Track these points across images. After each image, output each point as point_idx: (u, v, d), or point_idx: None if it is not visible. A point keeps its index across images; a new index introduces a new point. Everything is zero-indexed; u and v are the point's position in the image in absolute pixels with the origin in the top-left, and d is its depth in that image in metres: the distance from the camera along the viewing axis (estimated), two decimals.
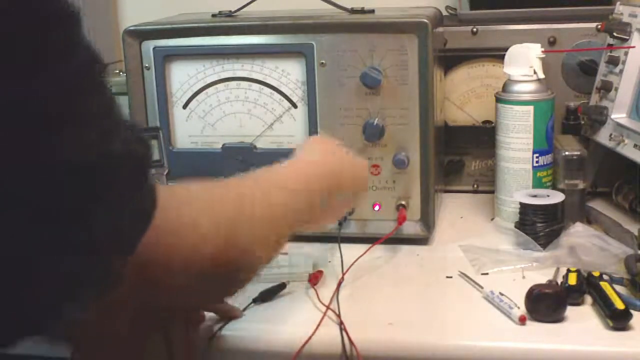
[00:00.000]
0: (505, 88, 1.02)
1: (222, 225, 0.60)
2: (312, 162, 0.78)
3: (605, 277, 0.82)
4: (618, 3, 1.06)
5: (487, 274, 0.89)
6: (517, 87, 1.01)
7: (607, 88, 1.04)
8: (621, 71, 1.02)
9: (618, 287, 0.81)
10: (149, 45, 1.01)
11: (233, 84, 1.01)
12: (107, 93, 0.49)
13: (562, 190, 1.00)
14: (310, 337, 0.77)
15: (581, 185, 1.02)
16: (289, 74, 0.99)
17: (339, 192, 0.79)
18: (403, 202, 0.98)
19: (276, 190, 0.69)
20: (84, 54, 0.46)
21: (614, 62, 1.04)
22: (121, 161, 0.48)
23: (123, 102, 1.06)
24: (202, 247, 0.57)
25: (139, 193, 0.50)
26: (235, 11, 1.07)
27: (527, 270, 0.89)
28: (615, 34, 1.03)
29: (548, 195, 0.97)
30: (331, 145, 0.83)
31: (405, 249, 0.98)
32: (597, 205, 1.08)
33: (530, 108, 1.00)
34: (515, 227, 0.97)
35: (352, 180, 0.83)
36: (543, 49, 1.01)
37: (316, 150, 0.81)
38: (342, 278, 0.87)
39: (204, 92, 1.02)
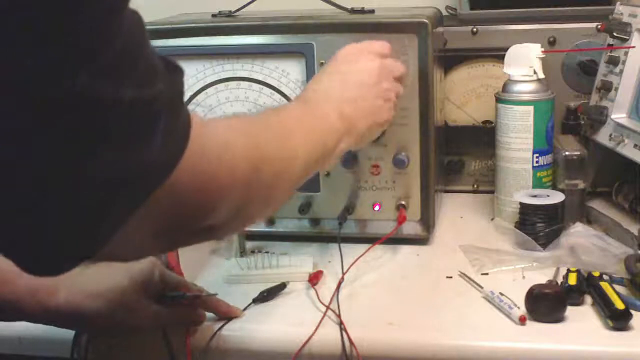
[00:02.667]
0: (505, 88, 1.02)
1: (254, 148, 0.60)
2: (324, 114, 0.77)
3: (605, 277, 0.82)
4: (618, 3, 1.06)
5: (487, 274, 0.89)
6: (517, 87, 1.01)
7: (607, 88, 1.04)
8: (621, 71, 1.02)
9: (618, 287, 0.81)
10: None
11: (233, 84, 1.01)
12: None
13: (562, 190, 1.00)
14: (310, 337, 0.77)
15: (581, 185, 1.02)
16: (289, 74, 0.99)
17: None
18: (403, 202, 0.98)
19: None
20: None
21: (614, 62, 1.04)
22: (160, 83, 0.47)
23: None
24: (236, 170, 0.56)
25: (178, 115, 0.49)
26: (235, 11, 1.06)
27: (527, 270, 0.89)
28: (615, 34, 1.03)
29: (548, 195, 0.97)
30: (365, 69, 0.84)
31: (405, 249, 0.98)
32: (597, 205, 1.08)
33: (530, 108, 1.00)
34: (515, 227, 0.97)
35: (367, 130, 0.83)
36: (543, 49, 1.01)
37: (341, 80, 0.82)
38: (342, 278, 0.87)
39: (204, 92, 1.02)
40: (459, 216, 1.11)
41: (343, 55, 0.86)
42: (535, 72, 1.00)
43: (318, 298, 0.84)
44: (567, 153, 1.02)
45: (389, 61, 0.87)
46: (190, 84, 1.02)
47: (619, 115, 1.02)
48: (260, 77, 1.00)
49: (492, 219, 1.05)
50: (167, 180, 0.48)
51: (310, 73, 0.97)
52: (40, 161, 0.41)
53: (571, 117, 1.14)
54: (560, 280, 0.83)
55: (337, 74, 0.83)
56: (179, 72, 0.51)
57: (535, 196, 0.97)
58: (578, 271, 0.83)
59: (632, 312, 0.76)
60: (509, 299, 0.80)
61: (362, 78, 0.83)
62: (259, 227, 1.02)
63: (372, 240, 0.94)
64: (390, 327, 0.78)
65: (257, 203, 0.61)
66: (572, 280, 0.81)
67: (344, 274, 0.88)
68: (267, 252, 0.93)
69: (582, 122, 1.11)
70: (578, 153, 1.02)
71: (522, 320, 0.77)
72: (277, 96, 1.00)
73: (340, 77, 0.83)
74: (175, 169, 0.48)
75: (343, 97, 0.80)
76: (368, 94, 0.83)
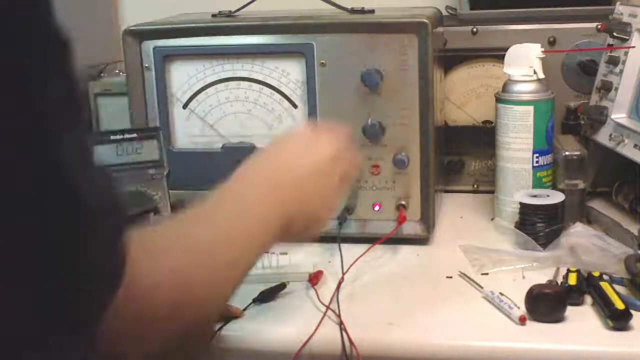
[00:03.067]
0: (505, 88, 1.02)
1: (192, 301, 0.56)
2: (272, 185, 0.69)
3: (605, 277, 0.82)
4: (618, 3, 1.06)
5: (487, 274, 0.89)
6: (517, 87, 1.01)
7: (607, 88, 1.04)
8: (621, 71, 1.02)
9: (618, 287, 0.81)
10: (149, 45, 1.01)
11: (233, 84, 1.01)
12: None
13: (562, 190, 1.00)
14: (310, 337, 0.77)
15: (581, 185, 1.02)
16: (289, 74, 0.99)
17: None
18: (403, 202, 0.98)
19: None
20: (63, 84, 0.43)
21: (614, 62, 1.04)
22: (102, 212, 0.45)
23: (123, 102, 1.06)
24: (165, 329, 0.54)
25: (113, 253, 0.47)
26: (235, 11, 1.06)
27: (527, 270, 0.89)
28: (615, 34, 1.03)
29: (548, 195, 0.97)
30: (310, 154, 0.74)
31: (405, 249, 0.98)
32: (597, 205, 1.08)
33: (530, 108, 1.00)
34: (515, 227, 0.97)
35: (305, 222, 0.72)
36: (543, 49, 1.01)
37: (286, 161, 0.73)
38: (342, 278, 0.87)
39: (204, 92, 1.02)
40: (459, 216, 1.11)
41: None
42: (535, 72, 1.00)
43: (318, 298, 0.84)
44: (567, 153, 1.02)
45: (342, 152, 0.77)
46: (191, 84, 1.02)
47: (619, 115, 1.02)
48: (260, 77, 1.00)
49: (492, 219, 1.05)
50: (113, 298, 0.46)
51: (310, 73, 0.97)
52: None
53: (571, 117, 1.14)
54: (560, 280, 0.83)
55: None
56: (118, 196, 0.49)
57: (535, 196, 0.97)
58: (578, 271, 0.83)
59: (632, 312, 0.75)
60: (509, 299, 0.80)
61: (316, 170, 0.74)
62: None
63: (372, 240, 0.94)
64: (390, 327, 0.78)
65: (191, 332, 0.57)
66: (572, 280, 0.81)
67: (344, 274, 0.88)
68: (267, 252, 0.93)
69: (582, 122, 1.11)
70: (578, 153, 1.02)
71: (522, 320, 0.77)
72: (277, 96, 1.00)
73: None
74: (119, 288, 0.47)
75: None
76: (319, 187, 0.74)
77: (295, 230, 0.70)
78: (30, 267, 0.41)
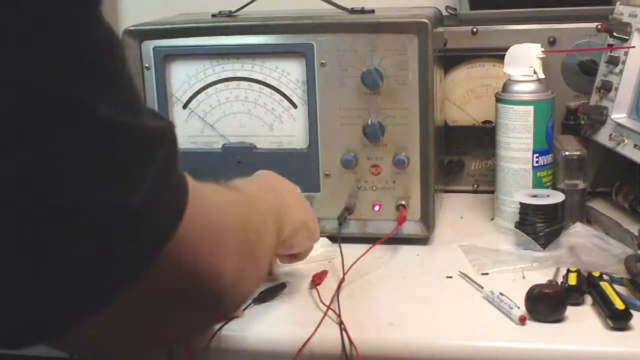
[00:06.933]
0: (505, 88, 1.02)
1: (247, 233, 0.57)
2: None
3: (605, 277, 0.82)
4: (618, 3, 1.06)
5: (487, 274, 0.89)
6: (517, 87, 1.01)
7: (607, 88, 1.04)
8: (621, 71, 1.02)
9: (618, 287, 0.81)
10: (149, 45, 1.01)
11: (233, 84, 1.01)
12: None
13: (562, 190, 1.00)
14: (310, 337, 0.77)
15: (581, 185, 1.02)
16: (289, 74, 0.99)
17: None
18: (403, 202, 0.98)
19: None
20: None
21: (614, 62, 1.04)
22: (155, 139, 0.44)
23: None
24: (235, 249, 0.53)
25: (171, 181, 0.45)
26: (235, 11, 1.06)
27: (527, 270, 0.89)
28: (615, 34, 1.03)
29: (548, 195, 0.97)
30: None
31: (405, 249, 0.98)
32: (597, 205, 1.08)
33: (530, 108, 1.00)
34: (515, 227, 0.97)
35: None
36: (543, 49, 1.01)
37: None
38: (343, 278, 0.87)
39: (204, 92, 1.02)
40: (459, 216, 1.11)
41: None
42: (535, 72, 1.00)
43: (320, 298, 0.84)
44: (567, 153, 1.02)
45: None
46: (191, 84, 1.02)
47: (619, 115, 1.02)
48: (260, 77, 1.00)
49: (492, 219, 1.05)
50: (172, 239, 0.44)
51: (310, 73, 0.97)
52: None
53: (571, 117, 1.14)
54: (560, 280, 0.83)
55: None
56: (171, 123, 0.48)
57: (535, 196, 0.97)
58: (578, 271, 0.83)
59: (632, 312, 0.75)
60: (509, 299, 0.80)
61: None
62: None
63: (372, 240, 0.94)
64: (390, 327, 0.78)
65: (251, 263, 0.58)
66: (572, 280, 0.81)
67: (344, 274, 0.88)
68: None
69: (582, 122, 1.11)
70: (578, 153, 1.02)
71: (522, 320, 0.77)
72: (277, 96, 1.00)
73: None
74: (181, 224, 0.45)
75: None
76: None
77: (296, 225, 0.76)
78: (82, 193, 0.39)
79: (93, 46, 0.41)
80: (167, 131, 0.45)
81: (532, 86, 1.01)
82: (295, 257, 0.87)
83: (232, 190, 0.63)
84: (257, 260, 0.60)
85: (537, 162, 1.01)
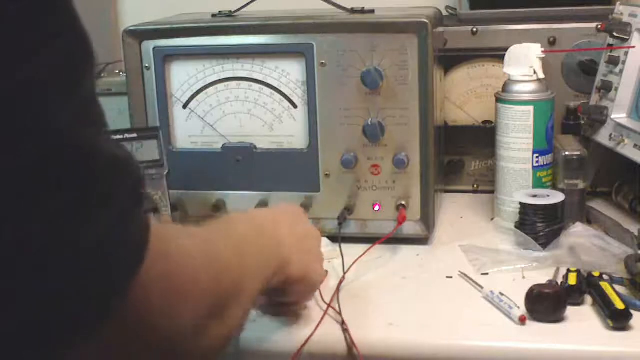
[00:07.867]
0: (505, 88, 1.02)
1: (221, 283, 0.55)
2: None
3: (605, 277, 0.82)
4: (618, 3, 1.06)
5: (487, 274, 0.89)
6: (517, 87, 1.01)
7: (607, 88, 1.04)
8: (621, 71, 1.02)
9: (618, 287, 0.81)
10: (149, 45, 1.01)
11: (233, 84, 1.01)
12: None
13: (562, 190, 1.00)
14: (310, 337, 0.77)
15: (581, 185, 1.02)
16: (289, 74, 0.99)
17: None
18: (403, 202, 0.98)
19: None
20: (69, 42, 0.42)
21: (614, 62, 1.04)
22: (116, 174, 0.44)
23: (123, 102, 1.06)
24: (201, 301, 0.52)
25: (132, 222, 0.45)
26: (235, 11, 1.07)
27: (527, 270, 0.89)
28: (615, 34, 1.03)
29: (548, 195, 0.97)
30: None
31: (405, 249, 0.98)
32: (597, 205, 1.08)
33: (530, 108, 1.00)
34: (515, 227, 0.97)
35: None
36: (543, 49, 1.01)
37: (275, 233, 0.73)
38: (343, 278, 0.87)
39: (204, 92, 1.02)
40: (459, 216, 1.11)
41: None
42: (535, 72, 1.00)
43: (322, 297, 0.84)
44: (567, 153, 1.02)
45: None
46: (191, 84, 1.02)
47: (619, 115, 1.02)
48: (260, 77, 1.00)
49: (492, 219, 1.05)
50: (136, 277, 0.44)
51: (310, 73, 0.97)
52: None
53: (571, 117, 1.14)
54: (560, 280, 0.83)
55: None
56: (133, 159, 0.47)
57: (535, 196, 0.97)
58: (578, 271, 0.83)
59: (632, 312, 0.75)
60: (509, 299, 0.80)
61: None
62: None
63: (372, 240, 0.94)
64: (390, 327, 0.78)
65: (218, 319, 0.55)
66: (572, 280, 0.81)
67: (344, 273, 0.88)
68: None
69: (582, 122, 1.11)
70: (578, 153, 1.02)
71: (522, 320, 0.77)
72: (277, 96, 1.00)
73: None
74: (143, 263, 0.44)
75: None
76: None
77: (289, 276, 0.72)
78: (48, 236, 0.40)
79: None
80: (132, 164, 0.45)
81: (532, 86, 1.01)
82: (287, 305, 0.81)
83: (213, 233, 0.61)
84: (231, 312, 0.57)
85: (537, 162, 1.01)
